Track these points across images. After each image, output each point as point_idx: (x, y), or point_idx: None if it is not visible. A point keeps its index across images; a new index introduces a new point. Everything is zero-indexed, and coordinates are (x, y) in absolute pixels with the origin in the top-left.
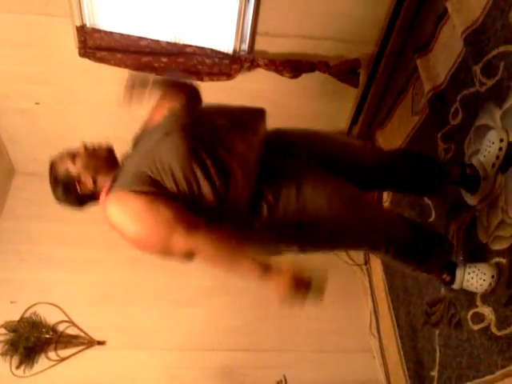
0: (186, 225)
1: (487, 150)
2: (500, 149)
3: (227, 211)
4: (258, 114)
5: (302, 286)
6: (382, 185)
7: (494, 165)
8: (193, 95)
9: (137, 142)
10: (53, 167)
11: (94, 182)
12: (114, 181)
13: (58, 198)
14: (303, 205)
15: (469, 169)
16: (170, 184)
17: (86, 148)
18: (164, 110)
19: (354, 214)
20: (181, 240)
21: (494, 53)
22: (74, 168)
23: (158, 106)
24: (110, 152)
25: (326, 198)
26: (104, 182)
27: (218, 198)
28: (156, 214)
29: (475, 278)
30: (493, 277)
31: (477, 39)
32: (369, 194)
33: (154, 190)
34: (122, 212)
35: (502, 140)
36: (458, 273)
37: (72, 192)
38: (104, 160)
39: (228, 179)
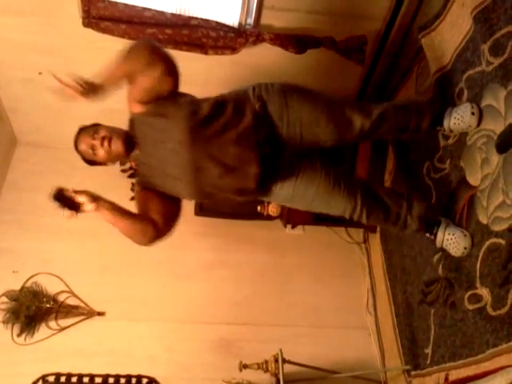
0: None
1: (459, 119)
2: (467, 128)
3: None
4: (249, 160)
5: None
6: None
7: (458, 132)
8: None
9: (141, 128)
10: (76, 147)
11: (116, 163)
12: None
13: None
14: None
15: (439, 126)
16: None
17: (102, 146)
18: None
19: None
20: None
21: (503, 32)
22: (96, 158)
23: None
24: (126, 144)
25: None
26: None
27: None
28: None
29: (452, 244)
30: (465, 248)
31: (487, 17)
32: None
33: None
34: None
35: (469, 126)
36: (439, 234)
37: (97, 165)
38: (121, 154)
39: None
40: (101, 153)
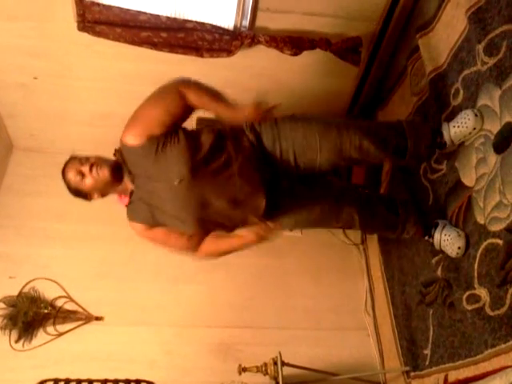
0: (196, 245)
1: (460, 127)
2: (470, 133)
3: None
4: (257, 193)
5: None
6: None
7: (460, 139)
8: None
9: (141, 161)
10: (64, 175)
11: (104, 195)
12: (130, 196)
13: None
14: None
15: (440, 138)
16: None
17: (91, 173)
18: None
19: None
20: (194, 254)
21: (498, 31)
22: (83, 186)
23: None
24: (113, 172)
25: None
26: (114, 191)
27: None
28: (172, 243)
29: (448, 244)
30: (459, 248)
31: (481, 17)
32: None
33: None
34: (147, 239)
35: (474, 128)
36: (436, 236)
37: (83, 197)
38: (109, 183)
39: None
40: (88, 180)
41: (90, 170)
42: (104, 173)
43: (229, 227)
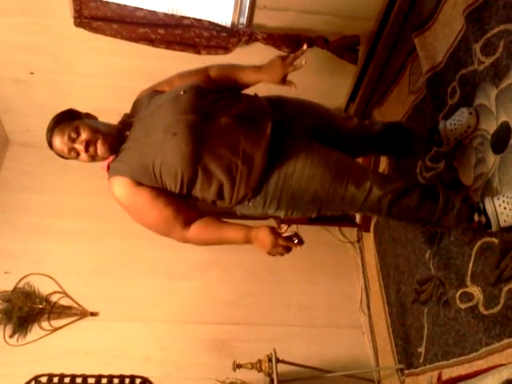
0: (183, 222)
1: (455, 124)
2: (466, 131)
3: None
4: (263, 112)
5: (281, 240)
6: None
7: (456, 138)
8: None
9: (142, 106)
10: (51, 145)
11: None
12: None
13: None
14: (285, 177)
15: (436, 135)
16: (171, 184)
17: (87, 152)
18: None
19: (337, 181)
20: (178, 233)
21: (495, 31)
22: (78, 160)
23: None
24: (113, 147)
25: (310, 169)
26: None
27: (220, 196)
28: (157, 211)
29: (508, 206)
30: (468, 127)
31: (478, 17)
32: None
33: (156, 185)
34: (128, 201)
35: (469, 126)
36: (488, 208)
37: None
38: (107, 157)
39: (233, 180)
40: (83, 157)
41: (86, 149)
42: (103, 151)
43: (226, 166)
